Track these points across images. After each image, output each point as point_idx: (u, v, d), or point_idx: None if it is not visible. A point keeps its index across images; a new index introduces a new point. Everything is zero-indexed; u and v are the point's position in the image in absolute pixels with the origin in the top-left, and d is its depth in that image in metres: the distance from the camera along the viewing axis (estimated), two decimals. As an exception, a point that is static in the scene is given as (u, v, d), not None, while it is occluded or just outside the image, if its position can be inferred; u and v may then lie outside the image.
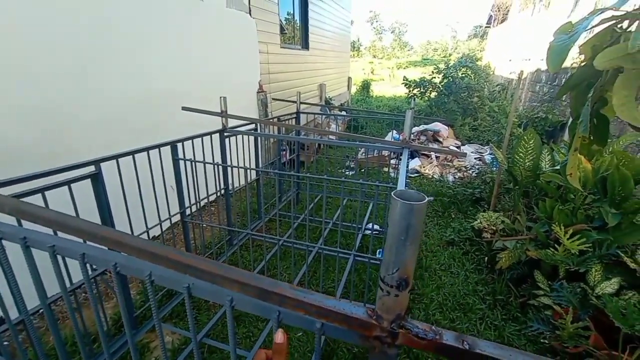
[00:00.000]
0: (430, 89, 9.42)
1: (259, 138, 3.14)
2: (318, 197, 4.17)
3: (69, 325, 2.06)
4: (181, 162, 2.19)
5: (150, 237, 2.32)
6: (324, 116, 7.20)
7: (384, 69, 30.24)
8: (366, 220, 3.49)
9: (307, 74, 7.33)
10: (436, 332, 0.51)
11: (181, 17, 3.30)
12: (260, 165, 3.59)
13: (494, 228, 2.97)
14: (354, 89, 15.11)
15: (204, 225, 2.54)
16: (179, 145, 2.17)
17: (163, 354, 0.73)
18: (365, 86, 14.99)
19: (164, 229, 2.37)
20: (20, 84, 1.93)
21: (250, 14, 4.77)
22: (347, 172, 5.53)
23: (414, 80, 9.48)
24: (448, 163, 5.47)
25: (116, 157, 1.70)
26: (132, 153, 1.80)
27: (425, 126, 6.22)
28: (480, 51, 20.38)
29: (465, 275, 2.83)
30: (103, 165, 1.64)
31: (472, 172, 5.13)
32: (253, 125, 3.05)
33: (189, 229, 2.41)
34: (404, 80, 9.40)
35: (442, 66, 9.48)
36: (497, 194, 3.49)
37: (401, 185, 1.46)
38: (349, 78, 10.95)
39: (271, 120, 3.55)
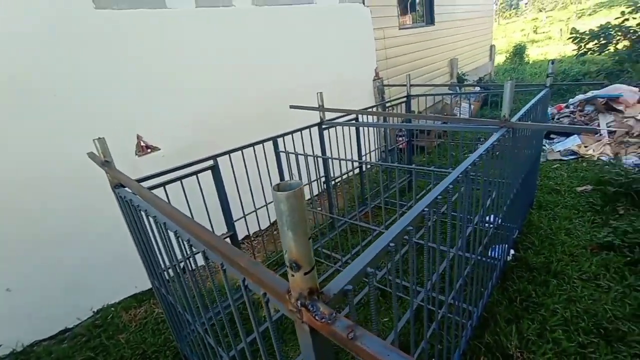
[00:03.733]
0: (619, 37, 6.90)
1: (360, 128, 3.22)
2: (430, 185, 3.91)
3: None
4: (282, 155, 2.56)
5: (260, 216, 2.80)
6: (453, 95, 6.50)
7: (555, 24, 23.97)
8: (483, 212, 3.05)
9: (432, 51, 6.75)
10: (332, 318, 0.53)
11: (296, 24, 3.70)
12: (371, 153, 3.67)
13: (682, 232, 2.07)
14: (501, 58, 12.76)
15: (306, 209, 2.88)
16: (280, 140, 2.54)
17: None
18: (518, 52, 12.37)
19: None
20: (193, 101, 2.74)
21: (364, 3, 4.80)
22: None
23: (590, 30, 7.18)
24: (632, 140, 3.99)
25: (228, 152, 2.19)
26: (241, 149, 2.27)
27: (596, 92, 4.68)
28: None
29: (624, 292, 2.11)
30: (220, 159, 2.15)
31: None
32: (354, 115, 3.16)
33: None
34: (572, 33, 7.26)
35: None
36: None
37: (453, 175, 1.27)
38: (492, 46, 9.33)
39: (369, 110, 3.55)
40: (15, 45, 2.00)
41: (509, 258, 2.47)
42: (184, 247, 1.02)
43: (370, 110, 3.55)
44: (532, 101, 2.28)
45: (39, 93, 2.10)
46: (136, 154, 2.70)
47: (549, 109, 5.40)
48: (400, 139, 4.92)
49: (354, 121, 3.22)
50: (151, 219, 1.24)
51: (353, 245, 2.96)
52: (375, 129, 4.19)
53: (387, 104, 3.90)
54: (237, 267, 0.71)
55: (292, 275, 0.55)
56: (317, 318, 0.54)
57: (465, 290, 1.68)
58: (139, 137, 2.72)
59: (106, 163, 1.62)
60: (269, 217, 2.70)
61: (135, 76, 2.49)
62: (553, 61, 2.76)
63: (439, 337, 1.42)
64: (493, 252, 2.18)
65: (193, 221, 0.92)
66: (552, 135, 4.81)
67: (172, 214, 0.98)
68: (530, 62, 12.47)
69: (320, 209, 3.03)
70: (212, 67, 2.93)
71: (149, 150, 2.80)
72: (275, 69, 3.46)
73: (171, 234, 1.10)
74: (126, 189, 1.60)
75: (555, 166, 4.04)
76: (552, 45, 17.28)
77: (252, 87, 3.26)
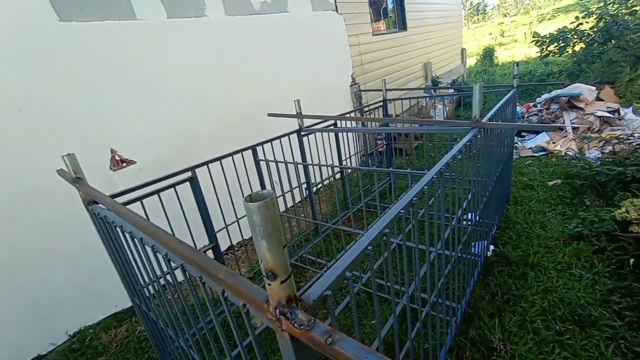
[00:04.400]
0: (576, 40, 7.35)
1: (339, 134, 3.26)
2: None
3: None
4: (262, 163, 2.55)
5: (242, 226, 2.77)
6: (428, 98, 6.69)
7: (519, 28, 25.22)
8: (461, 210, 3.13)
9: (407, 55, 6.94)
10: (311, 325, 0.53)
11: (271, 33, 3.71)
12: (351, 158, 3.72)
13: (643, 219, 2.21)
14: (472, 60, 13.27)
15: (290, 216, 2.87)
16: (259, 148, 2.53)
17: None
18: (488, 54, 12.91)
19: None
20: (168, 113, 2.69)
21: (337, 11, 4.89)
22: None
23: (550, 34, 7.60)
24: (593, 135, 4.23)
25: (207, 163, 2.16)
26: (220, 159, 2.24)
27: (559, 91, 4.95)
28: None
29: (594, 279, 2.21)
30: (198, 170, 2.11)
31: (635, 143, 3.83)
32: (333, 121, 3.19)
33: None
34: (534, 37, 7.67)
35: (595, 6, 7.23)
36: (659, 172, 2.54)
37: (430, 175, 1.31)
38: (463, 49, 9.70)
39: (347, 115, 3.60)
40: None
41: (489, 254, 2.54)
42: (164, 262, 0.99)
43: (348, 115, 3.59)
44: (501, 102, 2.39)
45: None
46: (111, 169, 2.62)
47: (519, 108, 5.66)
48: (380, 142, 5.01)
49: (332, 127, 3.25)
50: (127, 235, 1.20)
51: (338, 250, 2.97)
52: (354, 133, 4.24)
53: (365, 109, 3.97)
54: (215, 279, 0.71)
55: (269, 285, 0.55)
56: (295, 325, 0.54)
57: (448, 288, 1.72)
58: (113, 151, 2.64)
59: (77, 180, 1.56)
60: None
61: (107, 90, 2.43)
62: (518, 63, 2.90)
63: (424, 336, 1.44)
64: (475, 249, 2.24)
65: (169, 235, 0.91)
66: (523, 133, 5.04)
67: (148, 229, 0.96)
68: (500, 64, 13.04)
69: (303, 215, 3.03)
70: (187, 78, 2.90)
71: (124, 164, 2.71)
72: (251, 79, 3.45)
73: (148, 249, 1.07)
74: (100, 205, 1.54)
75: (527, 162, 4.22)
76: (518, 48, 18.16)
77: (229, 97, 3.24)
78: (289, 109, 2.87)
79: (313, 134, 3.05)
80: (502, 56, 14.69)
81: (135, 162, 2.73)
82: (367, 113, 3.99)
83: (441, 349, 1.64)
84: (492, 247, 2.62)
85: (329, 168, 2.32)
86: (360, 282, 2.44)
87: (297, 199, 3.05)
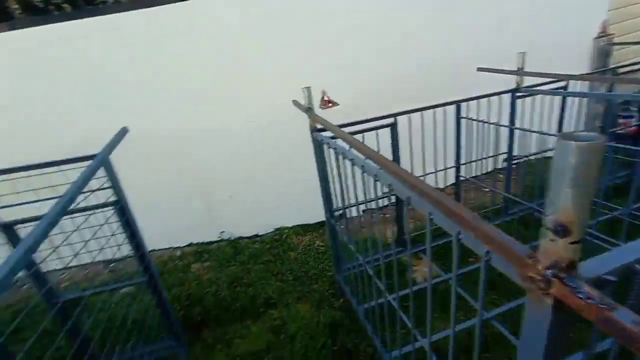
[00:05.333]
0: None
1: (567, 100, 2.54)
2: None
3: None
4: (463, 121, 2.33)
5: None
6: None
7: None
8: None
9: None
10: (606, 303, 0.45)
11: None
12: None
13: None
14: None
15: (481, 185, 2.61)
16: (463, 104, 2.30)
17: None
18: None
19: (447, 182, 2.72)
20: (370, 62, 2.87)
21: None
22: None
23: None
24: None
25: (409, 112, 2.15)
26: (422, 110, 2.19)
27: None
28: None
29: None
30: (399, 118, 2.15)
31: None
32: (563, 84, 2.50)
33: (461, 187, 2.58)
34: None
35: None
36: None
37: None
38: None
39: (591, 75, 2.69)
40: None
41: None
42: (386, 191, 1.08)
43: (592, 75, 2.72)
44: None
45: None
46: (320, 107, 3.05)
47: None
48: (626, 121, 3.63)
49: (562, 90, 2.56)
50: (347, 162, 1.38)
51: (526, 239, 2.52)
52: (584, 104, 3.21)
53: (620, 70, 2.89)
54: (454, 217, 0.70)
55: (552, 240, 0.49)
56: (581, 296, 0.47)
57: None
58: (323, 93, 3.04)
59: (309, 110, 1.88)
60: (436, 183, 2.59)
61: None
62: None
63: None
64: None
65: (400, 167, 0.96)
66: None
67: (378, 158, 1.05)
68: None
69: (488, 189, 2.68)
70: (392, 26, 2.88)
71: (330, 105, 3.10)
72: (456, 28, 3.07)
73: (369, 178, 1.19)
74: (322, 133, 1.83)
75: None
76: None
77: (430, 50, 3.04)
78: (496, 65, 2.41)
79: (528, 98, 2.50)
80: None
81: (339, 104, 3.07)
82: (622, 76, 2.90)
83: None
84: None
85: (541, 142, 1.87)
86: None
87: (489, 167, 2.72)
